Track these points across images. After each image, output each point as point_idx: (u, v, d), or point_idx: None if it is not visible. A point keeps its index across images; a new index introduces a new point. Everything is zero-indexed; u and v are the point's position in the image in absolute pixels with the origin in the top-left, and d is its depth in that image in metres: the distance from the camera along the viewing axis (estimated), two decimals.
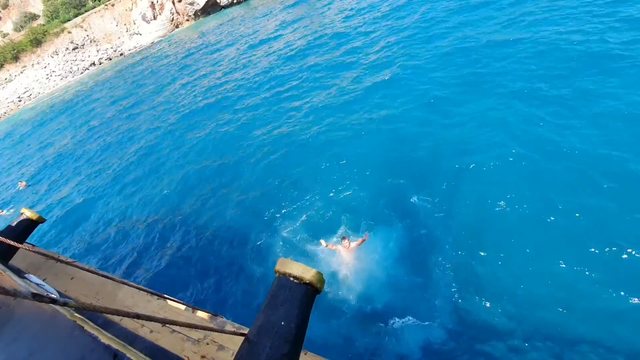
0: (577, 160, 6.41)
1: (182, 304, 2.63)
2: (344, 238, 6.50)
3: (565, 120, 7.25)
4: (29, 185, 17.52)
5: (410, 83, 11.11)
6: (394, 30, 15.62)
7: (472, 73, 10.09)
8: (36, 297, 0.93)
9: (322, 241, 6.72)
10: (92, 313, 2.09)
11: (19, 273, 2.75)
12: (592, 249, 5.20)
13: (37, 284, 2.60)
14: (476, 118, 8.47)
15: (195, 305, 2.68)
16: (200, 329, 1.42)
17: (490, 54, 10.49)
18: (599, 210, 5.57)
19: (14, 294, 0.87)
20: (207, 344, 2.23)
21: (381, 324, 5.46)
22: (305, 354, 2.24)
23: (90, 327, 1.17)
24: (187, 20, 49.40)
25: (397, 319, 5.44)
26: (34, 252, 2.38)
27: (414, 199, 7.21)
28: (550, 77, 8.48)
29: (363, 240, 6.44)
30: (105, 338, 1.10)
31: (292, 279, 1.53)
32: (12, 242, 2.48)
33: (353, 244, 6.44)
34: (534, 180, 6.47)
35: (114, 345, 1.06)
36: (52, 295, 0.98)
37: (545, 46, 9.59)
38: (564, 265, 5.17)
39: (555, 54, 9.11)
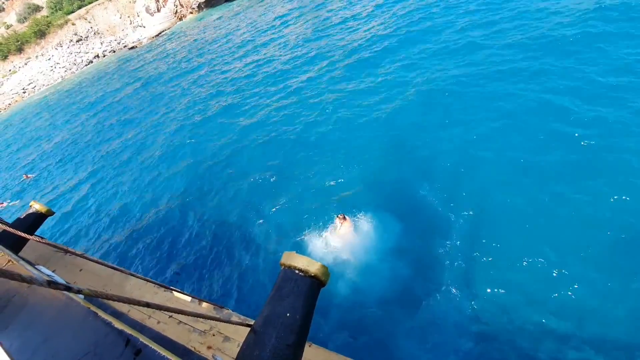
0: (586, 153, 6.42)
1: (189, 295, 2.67)
2: (339, 215, 6.65)
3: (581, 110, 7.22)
4: (34, 178, 17.64)
5: (411, 73, 11.07)
6: (400, 18, 15.49)
7: (479, 63, 10.03)
8: (51, 284, 0.96)
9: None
10: (101, 304, 2.13)
11: (30, 264, 2.79)
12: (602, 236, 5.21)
13: (48, 275, 2.64)
14: (480, 110, 8.45)
15: (201, 297, 2.73)
16: (208, 319, 1.46)
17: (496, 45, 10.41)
18: (612, 202, 5.57)
19: (30, 281, 0.90)
20: (213, 335, 2.28)
21: (382, 316, 5.51)
22: (309, 346, 2.28)
23: (103, 314, 1.21)
24: (191, 12, 49.17)
25: (397, 310, 5.49)
26: (43, 243, 2.42)
27: (415, 189, 7.26)
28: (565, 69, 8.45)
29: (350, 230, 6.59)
30: (118, 323, 1.14)
31: (297, 271, 1.55)
32: (22, 234, 2.52)
33: (348, 223, 6.56)
34: (541, 171, 6.46)
35: (127, 331, 1.09)
36: (66, 283, 1.01)
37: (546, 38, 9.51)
38: (565, 256, 5.19)
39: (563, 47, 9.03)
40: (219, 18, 37.80)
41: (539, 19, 10.84)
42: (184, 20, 48.86)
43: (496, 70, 9.43)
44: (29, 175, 17.79)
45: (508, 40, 10.44)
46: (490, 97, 8.66)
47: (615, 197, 5.58)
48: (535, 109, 7.71)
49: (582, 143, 6.54)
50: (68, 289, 0.98)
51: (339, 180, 8.28)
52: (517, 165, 6.76)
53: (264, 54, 20.03)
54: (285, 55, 18.30)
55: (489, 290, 5.25)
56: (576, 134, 6.73)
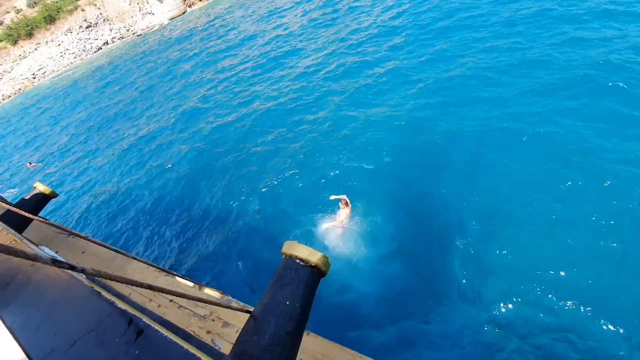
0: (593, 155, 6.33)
1: (189, 280, 2.70)
2: (342, 200, 6.80)
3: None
4: (39, 164, 17.77)
5: (428, 72, 10.95)
6: (418, 16, 15.27)
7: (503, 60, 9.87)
8: (56, 262, 0.97)
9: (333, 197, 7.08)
10: (104, 285, 2.16)
11: (33, 244, 2.82)
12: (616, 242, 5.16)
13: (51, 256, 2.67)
14: (496, 110, 8.32)
15: (201, 283, 2.75)
16: (209, 303, 1.47)
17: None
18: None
19: (34, 258, 0.91)
20: (213, 320, 2.30)
21: (380, 307, 5.55)
22: (307, 334, 2.30)
23: (106, 294, 1.22)
24: (200, 0, 48.90)
25: (395, 302, 5.53)
26: (47, 224, 2.45)
27: (424, 185, 7.24)
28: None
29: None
30: (121, 303, 1.15)
31: (298, 261, 1.56)
32: (26, 214, 2.55)
33: (349, 209, 6.73)
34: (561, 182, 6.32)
35: (130, 311, 1.11)
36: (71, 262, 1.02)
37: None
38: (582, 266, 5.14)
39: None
40: (229, 6, 37.53)
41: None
42: (193, 7, 48.59)
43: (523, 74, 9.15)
44: (33, 164, 17.83)
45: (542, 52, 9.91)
46: (513, 103, 8.39)
47: None
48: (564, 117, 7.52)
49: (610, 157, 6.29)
50: (72, 267, 0.99)
51: (347, 173, 8.27)
52: (535, 174, 6.56)
53: (275, 42, 19.89)
54: (294, 47, 18.17)
55: (504, 295, 5.20)
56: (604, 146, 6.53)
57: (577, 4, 10.53)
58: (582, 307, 4.70)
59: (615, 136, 6.47)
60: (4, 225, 2.29)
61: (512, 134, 7.50)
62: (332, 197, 7.16)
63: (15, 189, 15.88)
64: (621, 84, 7.33)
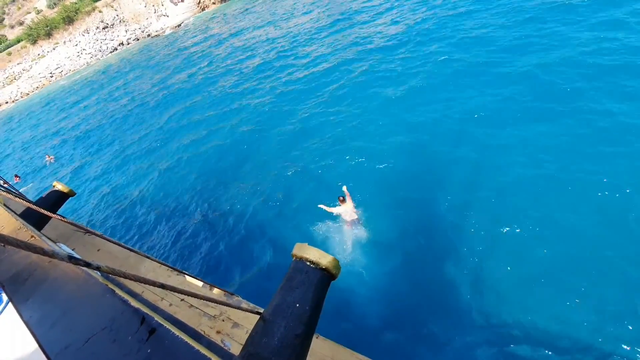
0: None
1: (200, 280, 2.73)
2: (339, 198, 6.90)
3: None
4: (56, 160, 18.23)
5: (439, 83, 10.86)
6: (431, 15, 15.20)
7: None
8: (72, 259, 0.99)
9: (322, 206, 7.16)
10: (118, 283, 2.20)
11: (51, 241, 2.90)
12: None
13: (68, 253, 2.73)
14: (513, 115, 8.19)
15: (211, 283, 2.77)
16: (219, 304, 1.48)
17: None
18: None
19: (52, 255, 0.93)
20: (223, 320, 2.32)
21: (393, 311, 5.52)
22: (317, 338, 2.30)
23: (120, 292, 1.25)
24: (214, 3, 49.44)
25: (408, 307, 5.49)
26: (64, 222, 2.51)
27: (431, 189, 7.19)
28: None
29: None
30: (134, 302, 1.17)
31: (308, 263, 1.56)
32: (45, 212, 2.61)
33: (349, 201, 6.80)
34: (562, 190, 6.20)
35: (143, 310, 1.13)
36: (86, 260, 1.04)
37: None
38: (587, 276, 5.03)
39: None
40: (242, 8, 37.88)
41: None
42: (206, 10, 49.18)
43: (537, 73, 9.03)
44: (51, 157, 18.40)
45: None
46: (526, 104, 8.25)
47: None
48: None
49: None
50: (87, 265, 1.01)
51: (353, 175, 8.28)
52: (544, 179, 6.45)
53: (285, 46, 19.99)
54: (306, 49, 18.22)
55: (506, 303, 5.13)
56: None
57: None
58: (582, 320, 4.59)
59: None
60: (24, 222, 2.36)
61: (522, 138, 7.40)
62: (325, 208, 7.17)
63: (33, 183, 16.35)
64: None
